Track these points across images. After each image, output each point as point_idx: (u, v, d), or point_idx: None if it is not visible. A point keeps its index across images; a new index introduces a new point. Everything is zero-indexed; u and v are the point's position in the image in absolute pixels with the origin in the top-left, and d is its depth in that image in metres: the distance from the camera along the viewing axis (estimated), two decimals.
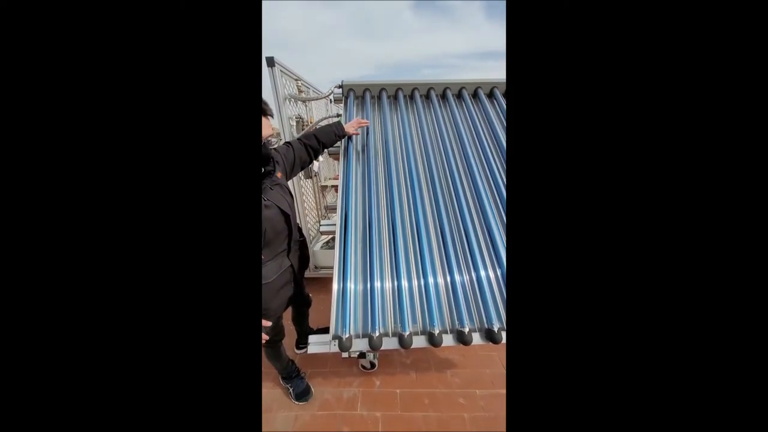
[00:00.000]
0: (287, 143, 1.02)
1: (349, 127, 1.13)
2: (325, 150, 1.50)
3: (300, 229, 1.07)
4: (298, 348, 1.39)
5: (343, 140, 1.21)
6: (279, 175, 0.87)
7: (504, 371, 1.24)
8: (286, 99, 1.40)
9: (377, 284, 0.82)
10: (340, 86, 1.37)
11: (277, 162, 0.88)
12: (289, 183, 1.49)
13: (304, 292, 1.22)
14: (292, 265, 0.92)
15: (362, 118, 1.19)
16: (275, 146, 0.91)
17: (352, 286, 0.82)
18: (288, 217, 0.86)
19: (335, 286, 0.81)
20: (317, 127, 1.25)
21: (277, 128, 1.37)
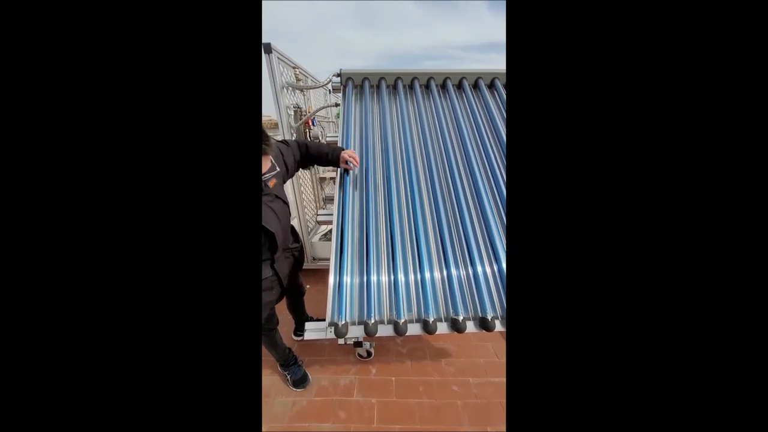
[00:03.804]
0: (285, 142, 0.99)
1: (343, 158, 1.02)
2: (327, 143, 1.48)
3: (295, 233, 1.06)
4: (296, 335, 1.41)
5: (340, 127, 1.20)
6: (272, 183, 0.83)
7: (497, 360, 1.27)
8: (283, 87, 1.37)
9: (374, 278, 0.82)
10: (339, 75, 1.34)
11: (274, 168, 0.85)
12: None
13: (298, 282, 1.23)
14: (276, 274, 0.88)
15: (356, 154, 1.05)
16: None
17: (348, 280, 0.82)
18: (272, 235, 0.80)
19: (331, 279, 0.81)
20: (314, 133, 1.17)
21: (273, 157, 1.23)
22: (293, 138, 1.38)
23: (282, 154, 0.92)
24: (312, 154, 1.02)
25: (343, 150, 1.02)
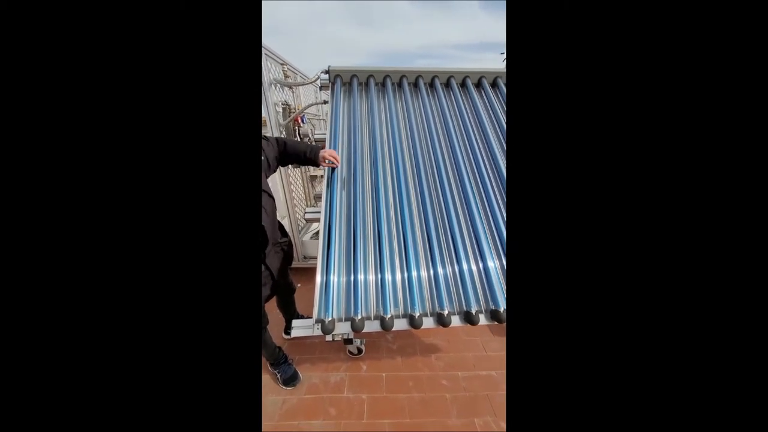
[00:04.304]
0: (265, 138, 0.98)
1: (322, 156, 1.01)
2: (315, 141, 1.46)
3: (283, 229, 1.06)
4: (286, 333, 1.41)
5: (328, 125, 1.19)
6: None
7: (485, 354, 1.29)
8: (271, 84, 1.36)
9: (360, 277, 0.83)
10: (327, 72, 1.33)
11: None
12: (277, 172, 1.48)
13: (288, 280, 1.23)
14: (268, 268, 0.93)
15: (336, 153, 1.05)
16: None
17: (336, 279, 0.83)
18: (263, 230, 0.87)
19: (318, 278, 0.81)
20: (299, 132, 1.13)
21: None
22: (282, 135, 1.37)
23: (263, 149, 0.92)
24: (288, 153, 1.02)
25: (323, 149, 1.02)
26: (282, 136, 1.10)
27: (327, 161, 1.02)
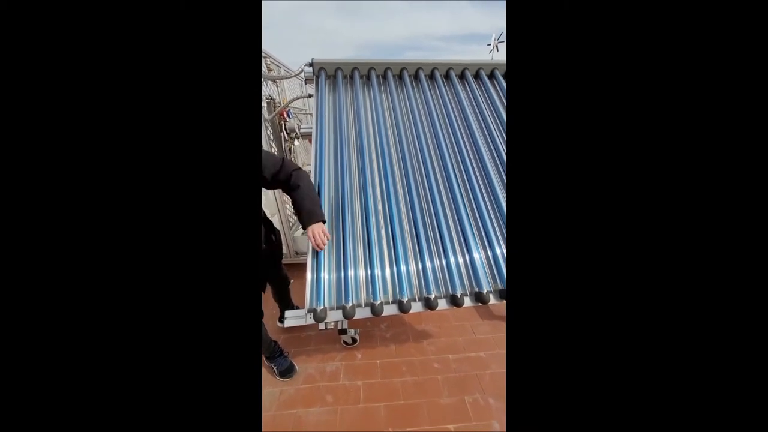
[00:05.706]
0: (281, 158, 0.91)
1: (311, 229, 0.85)
2: (302, 135, 1.44)
3: (273, 229, 1.03)
4: (281, 321, 1.43)
5: (313, 120, 1.19)
6: None
7: (474, 337, 1.35)
8: None
9: (351, 273, 0.84)
10: (311, 64, 1.32)
11: None
12: None
13: (282, 274, 1.25)
14: None
15: (327, 238, 0.87)
16: None
17: (326, 276, 0.84)
18: None
19: (309, 275, 0.83)
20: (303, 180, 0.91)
21: None
22: (268, 130, 1.35)
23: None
24: (291, 188, 0.89)
25: (313, 224, 0.85)
26: (296, 164, 0.93)
27: (313, 237, 0.84)
